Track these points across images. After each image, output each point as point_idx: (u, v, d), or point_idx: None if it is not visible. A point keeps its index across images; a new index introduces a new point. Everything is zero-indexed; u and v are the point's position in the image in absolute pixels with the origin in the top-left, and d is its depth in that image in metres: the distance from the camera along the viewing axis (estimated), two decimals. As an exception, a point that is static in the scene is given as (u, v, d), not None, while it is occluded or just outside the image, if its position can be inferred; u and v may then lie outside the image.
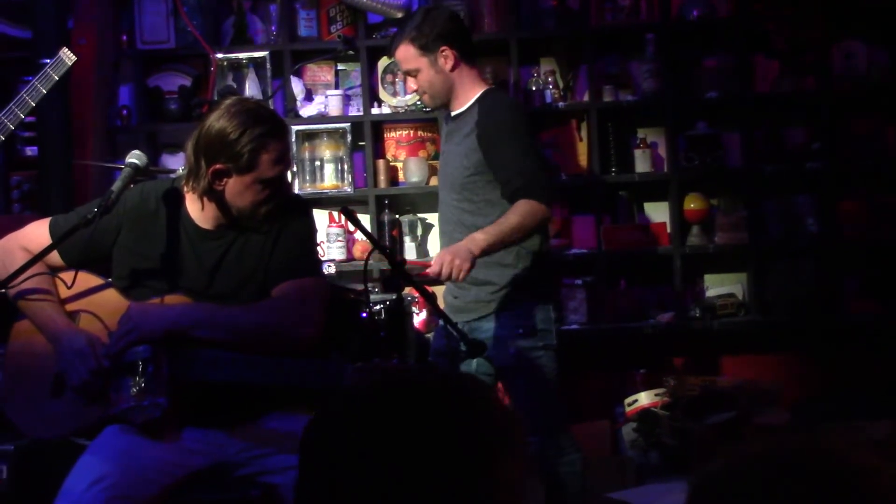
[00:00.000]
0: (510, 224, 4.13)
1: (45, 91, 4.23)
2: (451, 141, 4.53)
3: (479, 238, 4.06)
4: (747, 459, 1.43)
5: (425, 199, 6.32)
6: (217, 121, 3.36)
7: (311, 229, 3.65)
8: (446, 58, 4.42)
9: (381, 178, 6.37)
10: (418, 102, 6.32)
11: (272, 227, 3.50)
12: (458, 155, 4.42)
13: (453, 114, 4.52)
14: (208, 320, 3.31)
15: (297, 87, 6.45)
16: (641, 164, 6.36)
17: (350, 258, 6.31)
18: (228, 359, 3.28)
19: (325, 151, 6.41)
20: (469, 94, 4.47)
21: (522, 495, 1.58)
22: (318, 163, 6.41)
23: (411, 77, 4.51)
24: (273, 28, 6.46)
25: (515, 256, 4.36)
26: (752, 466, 1.42)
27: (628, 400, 5.87)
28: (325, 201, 6.34)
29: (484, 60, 6.20)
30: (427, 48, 4.41)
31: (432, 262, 4.05)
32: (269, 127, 3.39)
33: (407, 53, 4.46)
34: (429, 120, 6.41)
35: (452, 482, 1.49)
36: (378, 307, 4.57)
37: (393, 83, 6.47)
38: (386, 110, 6.44)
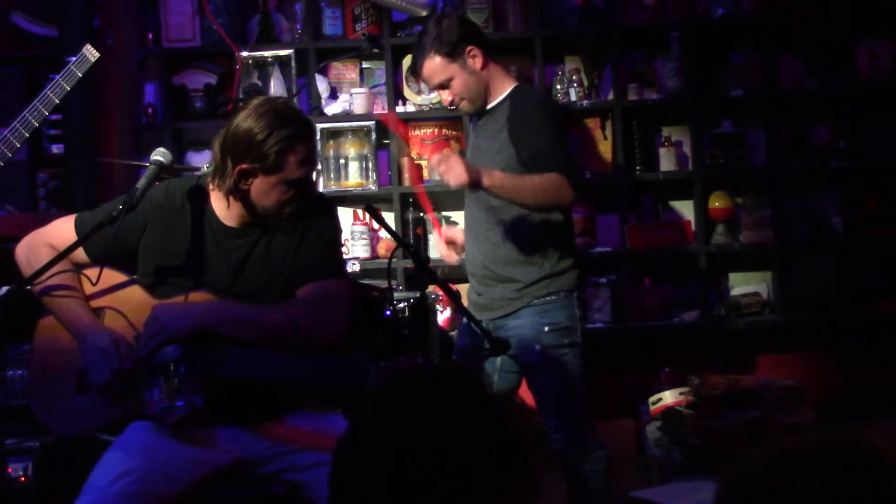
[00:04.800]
0: (532, 181, 4.15)
1: (69, 88, 4.24)
2: (481, 136, 4.53)
3: (497, 175, 4.08)
4: (782, 454, 1.43)
5: (450, 197, 6.31)
6: (245, 120, 3.36)
7: (337, 230, 3.66)
8: (475, 57, 4.42)
9: (406, 175, 6.37)
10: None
11: (297, 227, 3.51)
12: (489, 150, 4.42)
13: (485, 108, 4.52)
14: (234, 318, 3.31)
15: (321, 85, 6.45)
16: (666, 162, 6.35)
17: (374, 256, 6.31)
18: (254, 356, 3.28)
19: (350, 149, 6.42)
20: (500, 90, 4.47)
21: (542, 494, 1.59)
22: (342, 160, 6.42)
23: (444, 90, 4.48)
24: (298, 26, 6.47)
25: (541, 254, 4.37)
26: (788, 460, 1.42)
27: (653, 398, 5.86)
28: (349, 199, 6.35)
29: (508, 59, 6.19)
30: (454, 54, 4.40)
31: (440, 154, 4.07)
32: (297, 128, 3.39)
33: (435, 66, 4.44)
34: (453, 118, 6.40)
35: (482, 483, 1.50)
36: (402, 305, 4.57)
37: (417, 81, 6.47)
38: (411, 108, 6.44)
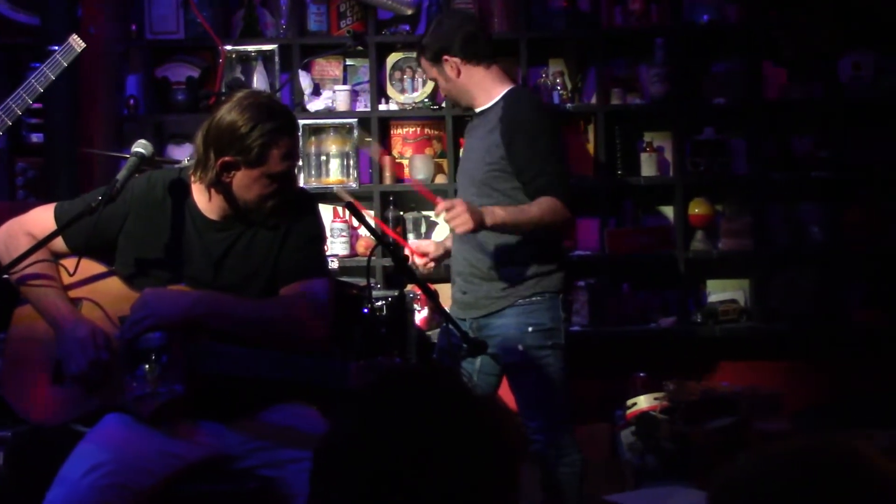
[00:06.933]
0: (530, 213, 4.24)
1: (53, 77, 4.22)
2: (473, 136, 4.60)
3: (498, 213, 4.17)
4: (774, 460, 1.44)
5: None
6: (228, 113, 3.35)
7: (321, 229, 3.66)
8: (451, 67, 4.51)
9: (387, 174, 6.37)
10: (426, 100, 6.33)
11: (280, 224, 3.50)
12: (479, 150, 4.48)
13: (478, 110, 4.57)
14: (224, 311, 3.32)
15: (304, 81, 6.44)
16: (647, 167, 6.36)
17: (353, 254, 6.30)
18: (235, 352, 3.28)
19: (332, 146, 6.41)
20: (492, 92, 4.52)
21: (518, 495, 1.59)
22: (323, 157, 6.41)
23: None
24: (282, 22, 6.45)
25: (529, 254, 4.38)
26: (781, 467, 1.43)
27: (628, 403, 5.85)
28: (329, 196, 6.33)
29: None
30: (434, 60, 4.56)
31: (446, 200, 4.14)
32: (281, 122, 3.39)
33: (425, 65, 4.65)
34: (436, 118, 6.41)
35: (463, 483, 1.50)
36: (380, 303, 4.57)
37: (401, 80, 6.47)
38: (393, 107, 6.43)
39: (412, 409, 1.56)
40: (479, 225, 4.08)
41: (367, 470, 1.50)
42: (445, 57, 4.50)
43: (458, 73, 4.52)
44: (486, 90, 4.53)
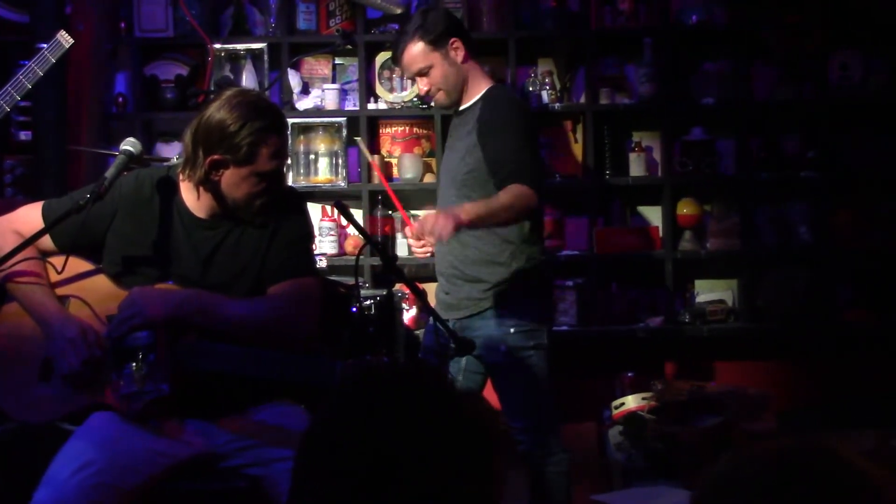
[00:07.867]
0: (500, 202, 4.17)
1: (41, 73, 4.22)
2: (454, 136, 4.57)
3: (469, 208, 4.11)
4: (755, 460, 1.44)
5: (419, 196, 6.31)
6: (217, 111, 3.35)
7: (309, 228, 3.67)
8: (457, 49, 4.45)
9: (375, 173, 6.36)
10: (415, 99, 6.31)
11: (269, 222, 3.50)
12: (459, 151, 4.45)
13: (460, 108, 4.53)
14: (212, 310, 3.32)
15: (293, 79, 6.43)
16: (636, 167, 6.36)
17: (342, 252, 6.30)
18: (223, 351, 3.27)
19: (320, 145, 6.40)
20: (475, 90, 4.49)
21: (503, 492, 1.59)
22: (312, 156, 6.40)
23: (423, 77, 4.49)
24: (272, 20, 6.44)
25: (510, 255, 4.37)
26: (761, 467, 1.43)
27: (616, 403, 5.86)
28: (318, 195, 6.33)
29: (482, 60, 6.13)
30: (438, 42, 4.43)
31: (414, 225, 4.12)
32: (270, 120, 3.39)
33: (417, 52, 4.46)
34: (425, 117, 6.40)
35: (444, 480, 1.50)
36: (368, 303, 4.57)
37: (390, 79, 6.46)
38: (382, 106, 6.42)
39: (390, 403, 1.56)
40: (457, 224, 4.04)
41: (346, 464, 1.51)
42: (453, 39, 4.45)
43: (465, 57, 4.47)
44: (473, 86, 4.50)
